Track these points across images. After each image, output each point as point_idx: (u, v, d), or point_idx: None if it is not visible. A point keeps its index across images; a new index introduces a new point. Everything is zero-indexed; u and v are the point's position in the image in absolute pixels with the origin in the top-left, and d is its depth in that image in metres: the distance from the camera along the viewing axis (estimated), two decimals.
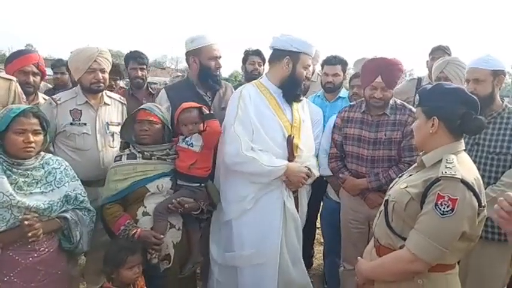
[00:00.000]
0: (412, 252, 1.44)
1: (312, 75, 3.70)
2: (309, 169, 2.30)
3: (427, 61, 3.59)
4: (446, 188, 1.41)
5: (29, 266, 1.77)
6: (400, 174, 1.77)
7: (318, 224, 3.77)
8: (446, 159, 1.47)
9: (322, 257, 3.48)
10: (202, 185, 2.23)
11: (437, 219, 1.40)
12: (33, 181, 1.79)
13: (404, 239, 1.51)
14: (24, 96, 2.39)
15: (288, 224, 2.27)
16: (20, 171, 1.76)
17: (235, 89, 2.57)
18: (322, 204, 3.14)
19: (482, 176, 2.07)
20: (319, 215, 3.29)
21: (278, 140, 2.23)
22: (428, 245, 1.41)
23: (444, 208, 1.39)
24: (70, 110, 2.37)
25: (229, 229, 2.30)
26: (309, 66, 2.31)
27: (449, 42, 3.59)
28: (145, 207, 2.10)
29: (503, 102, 2.21)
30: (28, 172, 1.78)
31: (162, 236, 2.05)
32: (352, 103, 2.72)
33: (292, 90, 2.31)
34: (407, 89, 3.63)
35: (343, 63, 3.23)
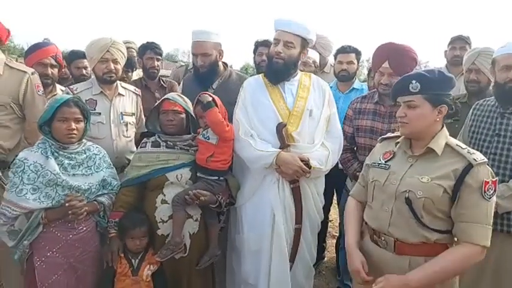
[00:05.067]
0: (482, 245, 1.47)
1: (325, 66, 3.67)
2: (308, 162, 2.17)
3: (446, 51, 3.48)
4: (485, 173, 1.49)
5: (69, 242, 1.94)
6: (381, 165, 1.70)
7: (330, 217, 3.77)
8: (460, 146, 1.55)
9: (334, 250, 3.46)
10: (221, 178, 2.22)
11: (486, 204, 1.48)
12: (76, 164, 1.96)
13: (437, 231, 1.53)
14: (41, 89, 2.42)
15: (281, 213, 2.21)
16: (66, 153, 1.94)
17: None
18: (341, 195, 3.05)
19: (504, 168, 2.04)
20: (331, 207, 3.26)
21: (271, 127, 2.22)
22: (488, 231, 1.48)
23: (490, 192, 1.48)
24: (85, 100, 2.40)
25: (236, 213, 2.39)
26: (277, 40, 2.23)
27: (466, 33, 3.47)
28: (164, 195, 2.12)
29: None
30: (72, 155, 1.96)
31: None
32: (363, 94, 2.68)
33: (267, 70, 2.33)
34: None
35: (357, 53, 3.21)
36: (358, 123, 2.50)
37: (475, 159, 1.48)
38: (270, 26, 2.29)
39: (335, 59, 3.31)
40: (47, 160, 1.87)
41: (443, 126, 1.63)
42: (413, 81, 1.57)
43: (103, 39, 2.47)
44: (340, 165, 2.71)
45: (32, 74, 2.38)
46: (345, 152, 2.57)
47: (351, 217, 1.81)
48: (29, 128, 2.35)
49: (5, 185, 2.14)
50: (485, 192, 1.46)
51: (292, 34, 2.20)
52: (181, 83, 2.78)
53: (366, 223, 1.74)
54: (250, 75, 2.74)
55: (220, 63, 2.60)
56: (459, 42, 3.35)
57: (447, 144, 1.57)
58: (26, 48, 3.25)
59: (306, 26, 2.22)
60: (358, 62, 3.22)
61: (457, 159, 1.51)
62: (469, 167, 1.47)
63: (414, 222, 1.54)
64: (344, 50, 3.19)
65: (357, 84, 3.24)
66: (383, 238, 1.63)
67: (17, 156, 1.91)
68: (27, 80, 2.29)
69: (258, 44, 3.47)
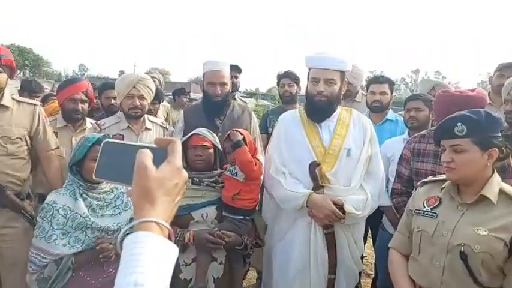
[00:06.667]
0: None
1: (356, 95, 3.55)
2: (342, 206, 1.99)
3: (491, 77, 3.24)
4: None
5: (99, 286, 1.84)
6: (426, 212, 1.54)
7: (364, 253, 3.54)
8: None
9: None
10: (247, 218, 2.11)
11: None
12: (105, 204, 1.91)
13: None
14: (48, 120, 2.45)
15: (312, 260, 2.06)
16: (94, 194, 1.89)
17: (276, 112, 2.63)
18: (377, 235, 2.88)
19: None
20: (368, 246, 3.05)
21: (305, 165, 2.07)
22: None
23: None
24: (113, 135, 2.41)
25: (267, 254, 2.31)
26: (316, 79, 2.09)
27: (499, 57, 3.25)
28: None
29: None
30: (101, 196, 1.91)
31: (220, 241, 1.96)
32: (422, 132, 2.35)
33: (308, 110, 2.19)
34: None
35: (391, 83, 3.09)
36: (418, 166, 2.24)
37: None
38: (295, 51, 2.26)
39: (367, 89, 3.18)
40: (75, 202, 1.83)
41: (494, 171, 1.48)
42: (459, 124, 1.44)
43: (131, 75, 2.51)
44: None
45: (40, 105, 2.44)
46: (400, 196, 2.33)
47: (401, 277, 1.60)
48: (42, 156, 2.36)
49: (28, 214, 2.20)
50: None
51: (331, 70, 2.08)
52: (182, 114, 2.65)
53: (412, 280, 1.56)
54: (277, 101, 2.69)
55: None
56: (509, 71, 2.99)
57: (501, 191, 1.42)
58: (63, 73, 3.33)
59: (342, 59, 2.10)
60: (391, 93, 3.08)
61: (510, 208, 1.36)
62: None
63: (470, 280, 1.36)
64: (377, 80, 3.08)
65: (390, 115, 3.08)
66: None
67: (37, 195, 1.87)
68: (38, 112, 2.35)
69: (280, 77, 3.53)
